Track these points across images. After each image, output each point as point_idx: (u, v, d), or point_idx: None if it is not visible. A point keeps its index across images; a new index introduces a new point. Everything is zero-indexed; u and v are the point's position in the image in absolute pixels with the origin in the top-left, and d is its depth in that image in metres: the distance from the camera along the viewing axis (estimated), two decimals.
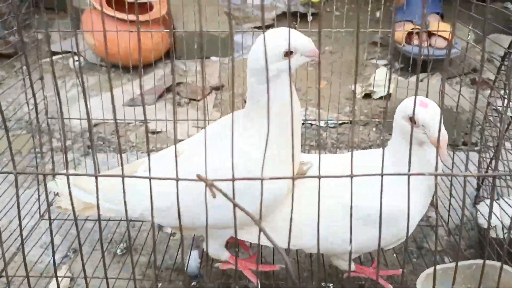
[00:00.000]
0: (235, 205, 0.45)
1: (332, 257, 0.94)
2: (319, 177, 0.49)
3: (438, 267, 0.86)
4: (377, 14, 2.34)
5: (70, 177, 0.53)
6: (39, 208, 1.15)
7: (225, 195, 0.45)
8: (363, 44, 2.09)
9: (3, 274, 0.71)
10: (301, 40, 0.77)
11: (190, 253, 1.07)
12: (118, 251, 1.11)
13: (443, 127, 0.71)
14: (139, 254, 1.09)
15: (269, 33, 0.77)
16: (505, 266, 0.84)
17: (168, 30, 1.83)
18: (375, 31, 1.51)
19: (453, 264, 0.86)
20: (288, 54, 0.76)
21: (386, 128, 1.59)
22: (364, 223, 0.80)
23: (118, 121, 1.57)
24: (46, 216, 1.18)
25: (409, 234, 0.68)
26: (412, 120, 0.64)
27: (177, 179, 0.48)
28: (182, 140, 1.50)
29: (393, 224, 0.79)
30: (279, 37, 0.76)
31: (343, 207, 0.82)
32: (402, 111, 0.81)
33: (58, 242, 1.12)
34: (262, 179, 0.48)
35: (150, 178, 0.51)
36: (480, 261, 0.85)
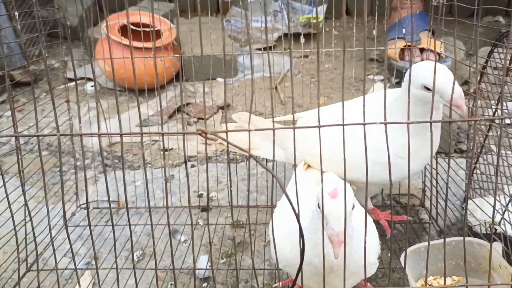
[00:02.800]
0: (250, 156, 0.58)
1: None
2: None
3: (421, 244, 0.95)
4: (374, 32, 2.46)
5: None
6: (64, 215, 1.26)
7: (228, 142, 0.61)
8: (360, 61, 2.20)
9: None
10: (441, 84, 0.85)
11: (198, 257, 1.17)
12: (135, 257, 1.21)
13: (458, 86, 0.80)
14: (156, 260, 1.19)
15: (423, 63, 0.92)
16: (480, 241, 0.93)
17: (178, 55, 1.96)
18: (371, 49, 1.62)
19: (435, 241, 0.95)
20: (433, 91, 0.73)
21: None
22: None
23: (132, 141, 1.69)
24: (69, 224, 1.29)
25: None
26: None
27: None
28: (191, 156, 1.62)
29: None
30: (422, 71, 0.89)
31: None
32: (415, 81, 0.87)
33: (81, 251, 1.23)
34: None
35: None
36: (458, 238, 0.93)
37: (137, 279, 1.11)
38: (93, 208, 1.37)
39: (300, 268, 0.62)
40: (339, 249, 0.67)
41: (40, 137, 1.70)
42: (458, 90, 0.85)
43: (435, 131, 1.02)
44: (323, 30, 2.49)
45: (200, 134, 0.61)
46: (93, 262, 1.20)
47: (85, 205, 1.37)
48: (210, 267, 1.14)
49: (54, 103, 0.74)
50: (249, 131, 0.63)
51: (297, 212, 0.60)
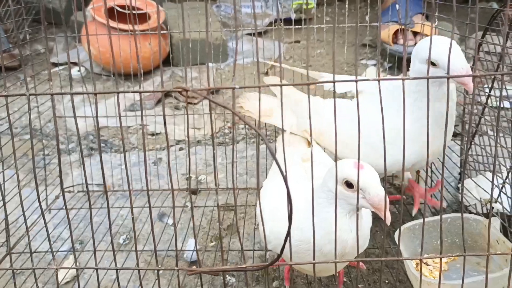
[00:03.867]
0: (231, 110, 0.52)
1: None
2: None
3: (416, 221, 0.92)
4: (366, 18, 2.42)
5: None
6: (46, 199, 1.23)
7: (212, 101, 0.57)
8: (352, 46, 2.17)
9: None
10: (445, 57, 0.71)
11: (186, 240, 1.13)
12: (121, 240, 1.17)
13: (464, 60, 0.77)
14: (142, 244, 1.15)
15: (429, 38, 0.79)
16: (477, 217, 0.90)
17: (165, 32, 1.92)
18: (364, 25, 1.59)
19: (430, 219, 0.92)
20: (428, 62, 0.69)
21: None
22: None
23: (118, 125, 1.65)
24: (52, 208, 1.25)
25: None
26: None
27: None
28: (180, 140, 1.58)
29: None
30: (428, 45, 0.75)
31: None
32: (421, 55, 0.85)
33: (64, 234, 1.18)
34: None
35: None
36: (454, 215, 0.90)
37: (122, 263, 1.08)
38: (78, 191, 1.33)
39: (288, 234, 0.58)
40: (388, 213, 0.67)
41: (25, 123, 1.65)
42: (465, 65, 0.79)
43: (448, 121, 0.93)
44: (315, 16, 2.46)
45: (180, 92, 0.57)
46: (77, 246, 1.16)
47: (70, 189, 1.33)
48: (198, 250, 1.11)
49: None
50: (233, 88, 0.59)
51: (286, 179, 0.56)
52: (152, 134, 1.64)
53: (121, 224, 1.22)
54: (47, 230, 0.71)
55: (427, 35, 1.81)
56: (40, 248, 1.14)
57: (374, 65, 2.01)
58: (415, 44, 1.83)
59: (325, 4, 2.45)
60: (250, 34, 2.27)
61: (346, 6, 2.19)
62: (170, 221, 1.23)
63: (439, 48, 0.79)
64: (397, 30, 1.89)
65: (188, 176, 1.39)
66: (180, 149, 1.53)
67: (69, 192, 1.32)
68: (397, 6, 1.68)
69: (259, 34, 2.32)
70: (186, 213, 1.25)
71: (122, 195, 1.32)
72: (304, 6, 2.40)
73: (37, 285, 0.74)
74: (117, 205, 1.27)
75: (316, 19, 2.45)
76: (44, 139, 1.67)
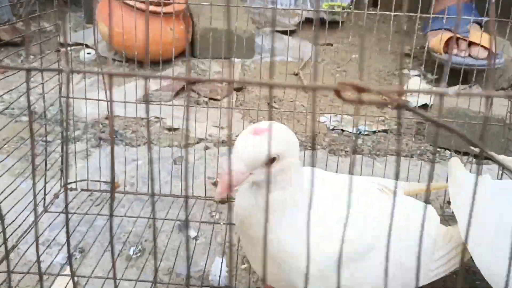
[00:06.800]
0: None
1: None
2: None
3: None
4: (405, 27, 2.24)
5: None
6: (43, 198, 1.01)
7: None
8: (392, 54, 1.99)
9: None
10: None
11: (213, 259, 0.92)
12: (131, 252, 0.95)
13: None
14: (158, 260, 0.94)
15: None
16: None
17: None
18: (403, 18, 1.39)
19: None
20: None
21: (426, 139, 1.45)
22: None
23: (131, 116, 1.44)
24: (50, 209, 1.03)
25: None
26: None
27: None
28: (202, 139, 1.37)
29: None
30: None
31: None
32: None
33: (63, 240, 0.97)
34: None
35: None
36: None
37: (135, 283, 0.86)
38: (81, 190, 1.11)
39: None
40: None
41: (23, 104, 1.43)
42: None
43: None
44: (348, 20, 2.27)
45: None
46: (78, 256, 0.94)
47: (71, 186, 1.11)
48: (228, 274, 0.90)
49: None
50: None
51: None
52: (169, 129, 1.43)
53: (131, 232, 1.01)
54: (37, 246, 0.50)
55: (484, 47, 1.63)
56: (32, 255, 0.92)
57: (417, 75, 1.82)
58: (469, 55, 1.65)
59: (352, 8, 2.27)
60: (279, 32, 2.08)
61: (378, 12, 2.01)
62: (193, 234, 1.01)
63: None
64: (449, 38, 1.70)
65: (215, 180, 1.17)
66: (206, 148, 1.31)
67: (71, 190, 1.10)
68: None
69: (287, 32, 2.13)
70: (210, 225, 1.04)
71: (136, 198, 1.11)
72: (337, 9, 2.21)
73: None
74: (127, 207, 1.06)
75: (350, 22, 2.27)
76: (47, 123, 1.46)
